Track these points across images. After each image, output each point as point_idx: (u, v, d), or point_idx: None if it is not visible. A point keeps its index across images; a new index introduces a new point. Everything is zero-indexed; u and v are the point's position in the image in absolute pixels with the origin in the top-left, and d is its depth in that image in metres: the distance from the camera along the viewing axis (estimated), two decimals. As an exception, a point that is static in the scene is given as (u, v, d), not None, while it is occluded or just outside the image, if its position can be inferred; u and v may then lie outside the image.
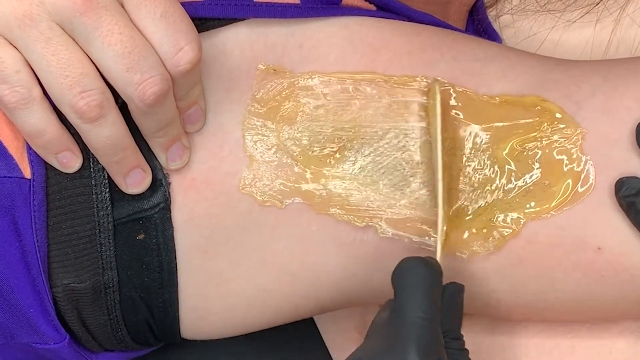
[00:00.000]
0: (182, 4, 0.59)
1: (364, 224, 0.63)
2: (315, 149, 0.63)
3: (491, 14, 0.83)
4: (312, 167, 0.63)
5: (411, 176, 0.62)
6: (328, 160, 0.63)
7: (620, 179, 0.59)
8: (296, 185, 0.63)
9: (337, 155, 0.63)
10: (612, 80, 0.62)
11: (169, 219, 0.63)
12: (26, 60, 0.57)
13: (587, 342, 0.67)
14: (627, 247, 0.59)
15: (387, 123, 0.63)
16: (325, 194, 0.63)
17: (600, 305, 0.62)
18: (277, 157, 0.63)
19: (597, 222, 0.60)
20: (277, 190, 0.63)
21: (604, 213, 0.60)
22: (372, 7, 0.67)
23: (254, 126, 0.63)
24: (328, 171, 0.63)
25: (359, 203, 0.63)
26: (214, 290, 0.65)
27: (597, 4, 0.79)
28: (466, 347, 0.71)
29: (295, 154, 0.63)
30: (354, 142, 0.63)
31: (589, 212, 0.60)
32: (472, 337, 0.71)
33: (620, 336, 0.67)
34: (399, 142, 0.62)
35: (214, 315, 0.67)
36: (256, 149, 0.63)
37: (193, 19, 0.59)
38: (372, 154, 0.63)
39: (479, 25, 0.80)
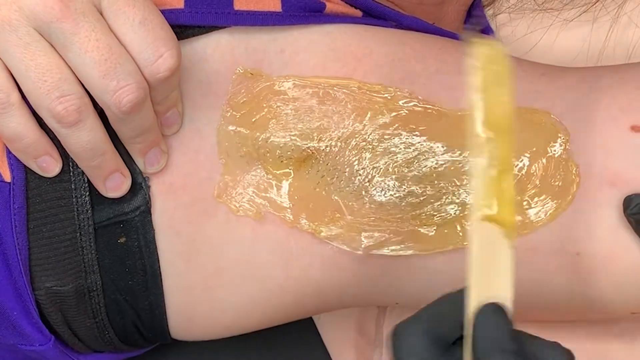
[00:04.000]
0: (162, 12, 0.59)
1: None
2: (283, 156, 0.62)
3: (488, 12, 0.82)
4: (281, 175, 0.63)
5: (368, 182, 0.62)
6: (295, 169, 0.63)
7: (628, 196, 0.58)
8: (266, 195, 0.63)
9: (304, 163, 0.63)
10: (598, 91, 0.61)
11: (150, 222, 0.63)
12: (5, 65, 0.57)
13: (585, 344, 0.67)
14: (606, 253, 0.58)
15: (348, 129, 0.62)
16: (293, 205, 0.63)
17: (589, 306, 0.61)
18: (249, 165, 0.63)
19: (575, 229, 0.59)
20: (249, 200, 0.63)
21: (581, 219, 0.59)
22: (358, 12, 0.66)
23: (228, 132, 0.63)
24: (296, 179, 0.63)
25: (327, 213, 0.62)
26: (200, 295, 0.65)
27: (595, 3, 0.78)
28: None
29: (265, 162, 0.63)
30: (320, 149, 0.62)
31: (566, 219, 0.59)
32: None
33: (618, 338, 0.66)
34: (358, 149, 0.62)
35: (201, 318, 0.67)
36: (230, 156, 0.63)
37: (173, 26, 0.58)
38: (334, 162, 0.62)
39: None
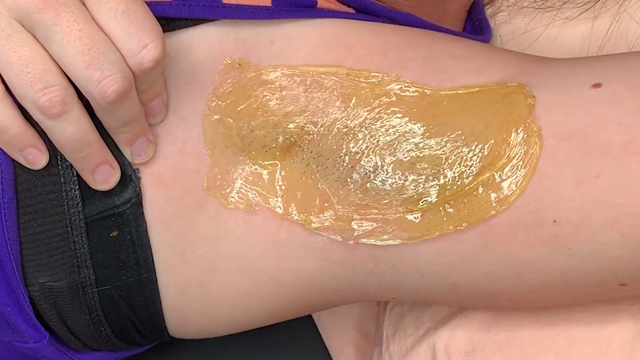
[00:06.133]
0: (149, 4, 0.59)
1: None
2: (268, 146, 0.62)
3: (488, 11, 0.82)
4: (267, 165, 0.63)
5: (351, 167, 0.61)
6: (281, 158, 0.63)
7: None
8: (255, 187, 0.63)
9: (289, 152, 0.62)
10: (575, 61, 0.61)
11: (142, 214, 0.63)
12: None
13: (583, 341, 0.66)
14: (580, 213, 0.57)
15: (331, 116, 0.62)
16: (282, 195, 0.63)
17: (578, 281, 0.60)
18: (235, 155, 0.63)
19: (547, 193, 0.58)
20: (238, 192, 0.63)
21: (550, 182, 0.58)
22: (351, 10, 0.66)
23: (213, 122, 0.63)
24: (283, 169, 0.63)
25: (315, 202, 0.62)
26: (195, 291, 0.65)
27: (595, 3, 0.78)
28: (462, 347, 0.70)
29: (251, 153, 0.63)
30: (303, 137, 0.62)
31: (535, 186, 0.58)
32: (468, 338, 0.70)
33: (616, 335, 0.66)
34: (341, 135, 0.61)
35: (198, 314, 0.67)
36: (216, 147, 0.63)
37: (160, 18, 0.58)
38: (318, 149, 0.62)
39: (476, 22, 0.79)
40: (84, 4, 0.56)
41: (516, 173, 0.59)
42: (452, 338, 0.71)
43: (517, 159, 0.59)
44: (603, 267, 0.58)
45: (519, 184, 0.58)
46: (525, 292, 0.62)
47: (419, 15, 0.69)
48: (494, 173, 0.59)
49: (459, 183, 0.60)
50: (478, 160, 0.59)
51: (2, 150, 0.61)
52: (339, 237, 0.62)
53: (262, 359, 0.86)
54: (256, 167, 0.63)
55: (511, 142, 0.59)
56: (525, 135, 0.59)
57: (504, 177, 0.59)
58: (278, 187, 0.63)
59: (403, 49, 0.63)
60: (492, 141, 0.59)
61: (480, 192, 0.59)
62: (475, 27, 0.79)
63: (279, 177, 0.63)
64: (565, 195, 0.57)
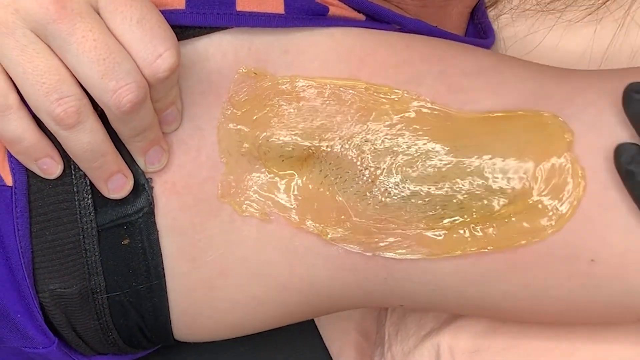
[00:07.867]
0: (163, 12, 0.58)
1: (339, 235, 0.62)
2: (284, 155, 0.62)
3: (491, 14, 0.82)
4: (284, 175, 0.63)
5: (371, 182, 0.61)
6: (298, 168, 0.63)
7: (619, 144, 0.56)
8: (270, 195, 0.63)
9: (306, 163, 0.62)
10: (608, 95, 0.60)
11: (154, 223, 0.63)
12: (2, 68, 0.57)
13: (587, 344, 0.67)
14: (621, 258, 0.58)
15: (350, 130, 0.62)
16: (298, 205, 0.63)
17: (595, 311, 0.61)
18: (251, 164, 0.63)
19: (589, 235, 0.58)
20: (253, 200, 0.63)
21: (594, 225, 0.58)
22: (362, 16, 0.66)
23: (229, 130, 0.63)
24: (299, 179, 0.63)
25: (332, 214, 0.62)
26: (204, 296, 0.65)
27: (599, 6, 0.78)
28: (466, 347, 0.70)
29: (267, 161, 0.63)
30: (321, 149, 0.62)
31: (574, 224, 0.59)
32: (472, 338, 0.71)
33: (620, 339, 0.66)
34: (360, 149, 0.61)
35: (205, 319, 0.67)
36: (231, 155, 0.63)
37: (174, 27, 0.58)
38: (337, 161, 0.62)
39: (478, 25, 0.79)
40: (98, 14, 0.56)
41: (555, 209, 0.58)
42: (456, 338, 0.71)
43: (558, 196, 0.58)
44: (630, 303, 0.60)
45: (557, 221, 0.58)
46: (540, 312, 0.63)
47: (422, 16, 0.69)
48: (530, 203, 0.59)
49: (482, 206, 0.60)
50: (509, 188, 0.59)
51: (15, 159, 0.61)
52: (356, 248, 0.62)
53: (262, 359, 0.86)
54: (272, 175, 0.63)
55: (546, 176, 0.59)
56: (568, 175, 0.58)
57: (541, 211, 0.59)
58: (294, 197, 0.63)
59: (415, 62, 0.63)
60: (526, 172, 0.59)
61: (512, 219, 0.59)
62: (478, 30, 0.79)
63: (296, 186, 0.63)
64: (610, 240, 0.58)
